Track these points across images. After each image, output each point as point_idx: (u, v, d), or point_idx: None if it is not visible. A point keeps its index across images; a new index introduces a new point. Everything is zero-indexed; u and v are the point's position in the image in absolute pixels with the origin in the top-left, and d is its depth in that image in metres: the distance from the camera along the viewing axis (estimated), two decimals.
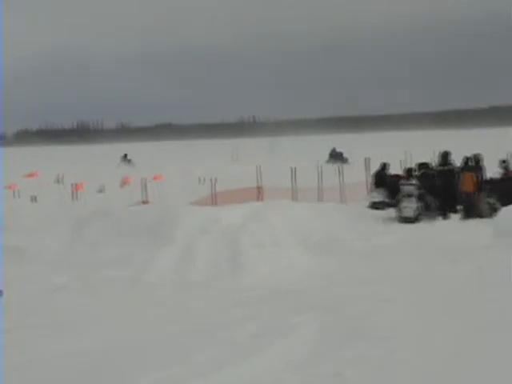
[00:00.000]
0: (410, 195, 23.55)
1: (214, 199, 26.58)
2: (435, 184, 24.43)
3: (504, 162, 25.19)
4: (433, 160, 28.91)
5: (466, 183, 23.78)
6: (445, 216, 23.63)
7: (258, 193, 27.50)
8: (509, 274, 13.11)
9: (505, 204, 21.62)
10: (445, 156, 25.18)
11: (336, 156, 56.90)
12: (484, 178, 24.27)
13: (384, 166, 27.21)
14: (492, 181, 24.50)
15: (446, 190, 24.02)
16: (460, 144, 42.88)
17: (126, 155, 66.14)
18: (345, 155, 56.88)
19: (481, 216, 23.02)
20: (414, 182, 24.16)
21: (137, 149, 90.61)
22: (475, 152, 25.08)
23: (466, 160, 24.80)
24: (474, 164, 24.31)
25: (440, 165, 24.93)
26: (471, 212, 23.48)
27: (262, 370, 8.60)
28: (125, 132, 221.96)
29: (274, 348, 9.37)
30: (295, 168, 28.46)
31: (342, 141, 80.00)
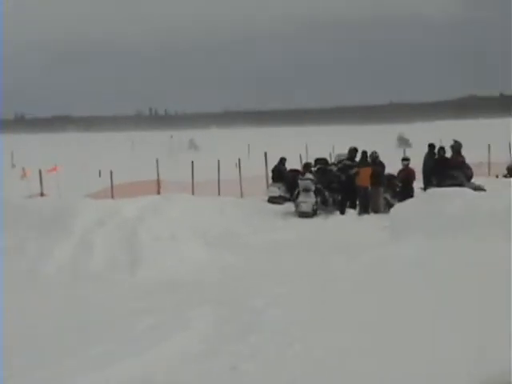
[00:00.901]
0: (307, 190, 23.79)
1: (112, 192, 26.33)
2: (333, 179, 24.74)
3: (405, 159, 25.71)
4: (332, 155, 29.29)
5: (363, 178, 24.16)
6: (342, 211, 23.97)
7: (158, 186, 27.38)
8: (403, 268, 13.40)
9: (400, 200, 22.10)
10: (352, 152, 25.57)
11: None
12: (384, 174, 24.72)
13: (282, 161, 27.41)
14: (389, 177, 24.96)
15: (344, 186, 24.36)
16: (361, 139, 43.44)
17: None
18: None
19: (377, 211, 23.46)
20: (311, 176, 24.41)
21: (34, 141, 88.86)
22: (373, 149, 25.52)
23: (364, 155, 25.21)
24: (371, 160, 24.73)
25: (347, 159, 25.27)
26: (368, 207, 23.90)
27: (158, 363, 8.56)
28: (22, 123, 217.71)
29: (170, 341, 9.33)
30: (193, 162, 28.43)
31: (246, 135, 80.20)
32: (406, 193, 23.52)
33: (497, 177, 32.73)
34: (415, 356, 8.49)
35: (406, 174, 24.89)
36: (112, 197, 25.08)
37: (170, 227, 15.95)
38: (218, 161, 28.97)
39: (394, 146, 65.93)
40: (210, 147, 70.17)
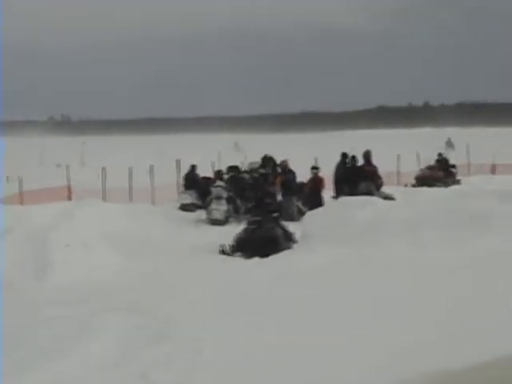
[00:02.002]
0: (219, 198, 23.82)
1: (21, 198, 25.87)
2: (245, 187, 24.83)
3: (314, 168, 25.97)
4: (244, 163, 29.38)
5: (275, 185, 24.32)
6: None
7: (68, 192, 27.02)
8: (311, 275, 13.55)
9: (310, 208, 22.30)
10: (267, 160, 25.72)
11: None
12: (295, 182, 24.91)
13: (193, 168, 27.39)
14: (300, 185, 25.18)
15: (256, 193, 24.46)
16: (281, 147, 43.79)
17: None
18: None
19: (289, 219, 23.63)
20: (223, 184, 24.46)
21: None
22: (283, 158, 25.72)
23: (274, 164, 25.40)
24: (282, 169, 24.92)
25: (260, 167, 25.40)
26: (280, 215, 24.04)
27: (67, 372, 8.45)
28: None
29: (80, 349, 9.21)
30: (105, 168, 28.17)
31: (156, 142, 79.78)
32: (315, 201, 23.73)
33: (405, 186, 33.36)
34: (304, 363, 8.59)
35: (315, 183, 25.11)
36: (21, 202, 24.66)
37: (82, 234, 15.78)
38: (130, 168, 28.76)
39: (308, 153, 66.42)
40: (123, 153, 69.63)
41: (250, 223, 18.19)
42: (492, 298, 11.00)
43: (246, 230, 17.92)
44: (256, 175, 25.04)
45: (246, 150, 57.60)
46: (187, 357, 8.92)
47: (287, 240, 17.69)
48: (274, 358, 8.79)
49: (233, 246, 17.43)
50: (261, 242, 16.99)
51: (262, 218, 18.00)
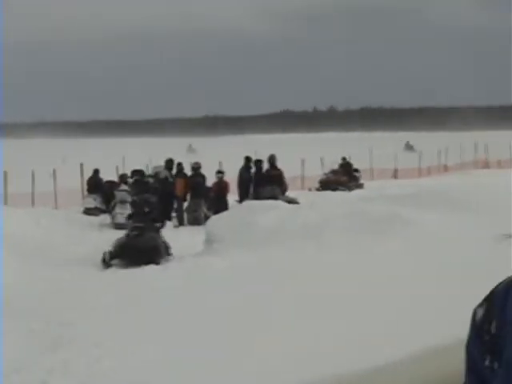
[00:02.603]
0: (123, 201, 23.63)
1: None
2: (150, 191, 24.70)
3: (219, 172, 26.02)
4: (149, 167, 29.27)
5: (179, 189, 24.28)
6: (162, 223, 23.94)
7: None
8: (215, 279, 13.57)
9: (215, 212, 22.33)
10: (169, 163, 25.64)
11: None
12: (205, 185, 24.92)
13: (96, 172, 27.13)
14: (205, 189, 25.20)
15: (162, 198, 24.37)
16: (176, 151, 43.64)
17: None
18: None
19: (195, 223, 23.61)
20: (127, 188, 24.29)
21: None
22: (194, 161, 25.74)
23: (181, 166, 25.35)
24: (193, 171, 24.92)
25: (164, 171, 25.30)
26: (183, 219, 24.01)
27: None
28: None
29: None
30: (6, 172, 27.64)
31: (63, 145, 78.64)
32: (220, 205, 23.78)
33: (310, 190, 33.73)
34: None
35: (220, 187, 25.17)
36: None
37: None
38: (33, 171, 28.29)
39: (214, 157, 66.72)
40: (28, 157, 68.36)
41: (132, 229, 17.75)
42: (392, 301, 11.20)
43: (127, 236, 17.50)
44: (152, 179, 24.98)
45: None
46: (87, 363, 8.82)
47: (166, 251, 17.42)
48: (174, 366, 8.76)
49: (111, 252, 16.69)
50: (142, 249, 16.61)
51: (145, 226, 17.63)
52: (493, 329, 2.09)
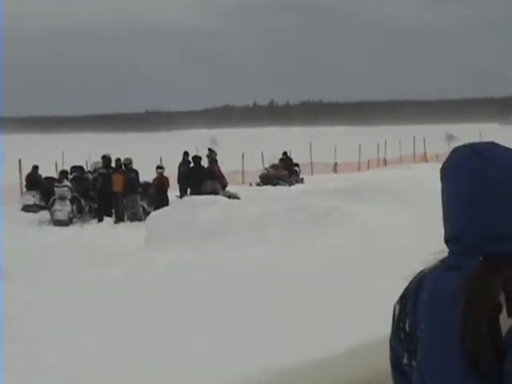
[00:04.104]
0: (63, 198, 23.41)
1: None
2: (89, 187, 24.52)
3: (159, 167, 25.84)
4: (88, 163, 29.00)
5: (117, 185, 24.10)
6: (100, 219, 23.78)
7: None
8: (157, 276, 13.51)
9: (156, 208, 22.23)
10: (107, 159, 25.37)
11: None
12: (138, 181, 24.75)
13: (35, 168, 26.79)
14: (144, 185, 25.06)
15: (100, 193, 24.18)
16: (117, 147, 43.37)
17: None
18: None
19: (134, 219, 23.49)
20: (67, 184, 24.04)
21: None
22: (127, 156, 25.52)
23: (120, 162, 25.12)
24: (125, 167, 24.71)
25: (102, 167, 25.06)
26: (123, 215, 23.87)
27: None
28: None
29: None
30: None
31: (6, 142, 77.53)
32: (160, 201, 23.67)
33: (250, 185, 33.77)
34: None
35: (160, 182, 25.04)
36: None
37: None
38: None
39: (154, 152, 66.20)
40: None
41: None
42: (332, 298, 11.28)
43: None
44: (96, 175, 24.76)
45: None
46: (28, 359, 8.73)
47: None
48: (117, 359, 8.72)
49: None
50: None
51: None
52: (407, 327, 2.10)
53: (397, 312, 2.13)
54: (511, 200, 1.98)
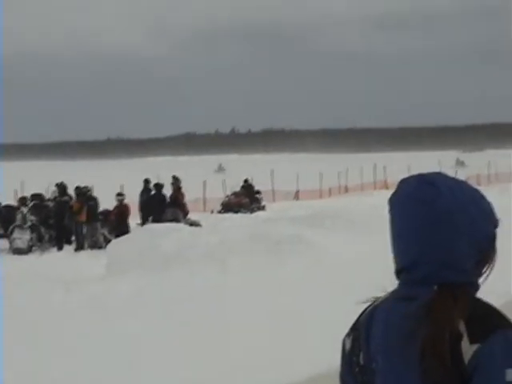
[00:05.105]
0: (22, 226, 23.18)
1: None
2: (49, 215, 24.31)
3: (119, 194, 25.67)
4: (48, 191, 28.77)
5: (77, 212, 23.90)
6: (60, 247, 23.58)
7: None
8: (117, 304, 13.40)
9: (117, 235, 22.09)
10: (62, 187, 25.18)
11: None
12: (98, 209, 24.57)
13: None
14: (105, 212, 24.89)
15: (60, 221, 23.99)
16: (77, 175, 43.21)
17: None
18: None
19: (95, 247, 23.31)
20: (27, 212, 23.82)
21: None
22: (84, 184, 25.35)
23: (80, 190, 24.93)
24: (85, 195, 24.51)
25: (58, 196, 24.87)
26: (84, 243, 23.68)
27: None
28: None
29: None
30: None
31: None
32: (121, 228, 23.51)
33: (212, 212, 33.70)
34: None
35: (120, 210, 24.81)
36: None
37: None
38: None
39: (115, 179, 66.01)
40: None
41: None
42: (291, 324, 11.26)
43: None
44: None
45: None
46: None
47: None
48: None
49: None
50: None
51: None
52: (361, 360, 2.07)
53: (348, 346, 2.10)
54: (462, 229, 1.98)
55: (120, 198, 25.24)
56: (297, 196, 43.27)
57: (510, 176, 53.55)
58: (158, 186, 26.00)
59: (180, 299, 13.47)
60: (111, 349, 10.22)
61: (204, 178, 38.77)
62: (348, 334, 2.11)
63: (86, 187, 24.63)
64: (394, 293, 2.06)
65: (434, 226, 1.98)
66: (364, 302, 2.12)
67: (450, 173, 2.09)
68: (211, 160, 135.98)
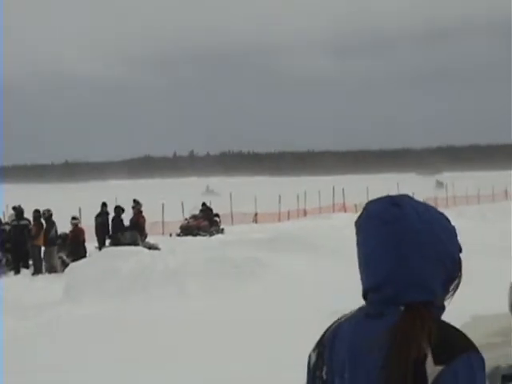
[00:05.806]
0: None
1: None
2: (6, 239, 24.06)
3: (74, 218, 25.36)
4: (6, 214, 28.50)
5: (36, 236, 23.68)
6: (17, 271, 23.33)
7: None
8: (74, 329, 13.30)
9: (74, 259, 21.90)
10: (19, 210, 24.91)
11: None
12: (56, 232, 24.33)
13: None
14: (63, 236, 24.65)
15: (17, 245, 23.75)
16: (30, 197, 42.85)
17: None
18: None
19: (52, 271, 23.08)
20: None
21: None
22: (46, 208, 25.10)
23: (38, 213, 24.66)
24: (44, 219, 24.24)
25: (15, 219, 24.58)
26: (41, 267, 23.44)
27: None
28: None
29: None
30: None
31: None
32: (77, 252, 23.27)
33: (170, 235, 33.61)
34: None
35: (75, 234, 24.47)
36: None
37: None
38: None
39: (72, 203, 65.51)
40: None
41: None
42: (253, 346, 11.24)
43: None
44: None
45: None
46: None
47: None
48: None
49: None
50: None
51: None
52: (324, 375, 2.09)
53: (313, 360, 2.12)
54: (428, 248, 2.00)
55: (74, 221, 24.80)
56: (255, 219, 43.29)
57: (467, 199, 54.20)
58: (118, 209, 25.85)
59: (138, 323, 13.41)
60: (65, 375, 10.13)
61: (162, 200, 38.65)
62: (314, 349, 2.13)
63: (47, 210, 24.34)
64: (360, 310, 2.07)
65: (401, 246, 2.00)
66: (327, 318, 2.13)
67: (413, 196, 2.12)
68: (168, 183, 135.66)
